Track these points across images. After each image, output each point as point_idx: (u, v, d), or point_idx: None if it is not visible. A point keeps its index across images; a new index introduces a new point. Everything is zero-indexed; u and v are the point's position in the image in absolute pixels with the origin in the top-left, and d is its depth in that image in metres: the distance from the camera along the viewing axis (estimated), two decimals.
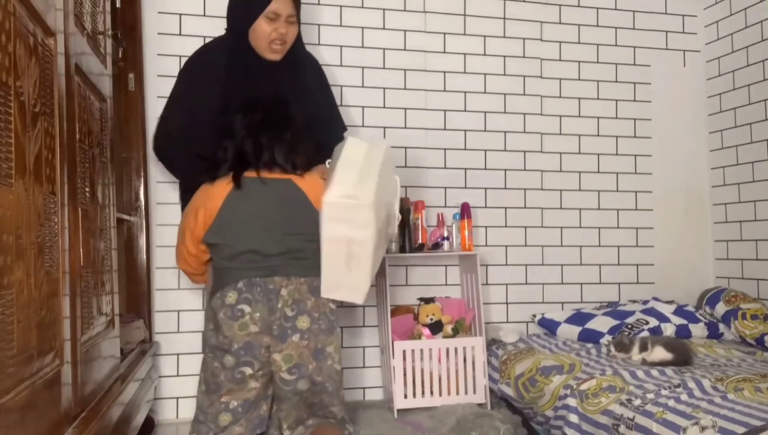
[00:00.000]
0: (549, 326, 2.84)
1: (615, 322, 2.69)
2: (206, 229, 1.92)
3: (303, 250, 1.92)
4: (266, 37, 2.12)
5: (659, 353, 2.23)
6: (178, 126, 2.17)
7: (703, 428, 1.59)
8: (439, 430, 2.21)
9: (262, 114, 1.97)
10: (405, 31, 2.90)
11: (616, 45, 3.15)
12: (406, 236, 2.62)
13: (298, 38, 2.23)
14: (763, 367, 2.17)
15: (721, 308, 2.80)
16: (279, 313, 1.86)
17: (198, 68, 2.21)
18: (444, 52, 2.95)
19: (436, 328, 2.59)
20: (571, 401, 2.04)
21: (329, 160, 2.14)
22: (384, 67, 2.87)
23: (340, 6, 2.82)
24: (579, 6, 3.10)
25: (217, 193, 1.91)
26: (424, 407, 2.44)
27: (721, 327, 2.78)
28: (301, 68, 2.29)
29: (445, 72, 2.94)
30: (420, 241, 2.65)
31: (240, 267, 1.89)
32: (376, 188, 1.86)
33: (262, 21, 2.10)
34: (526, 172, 3.02)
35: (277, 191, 1.92)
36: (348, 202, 1.85)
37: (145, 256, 2.54)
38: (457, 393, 2.50)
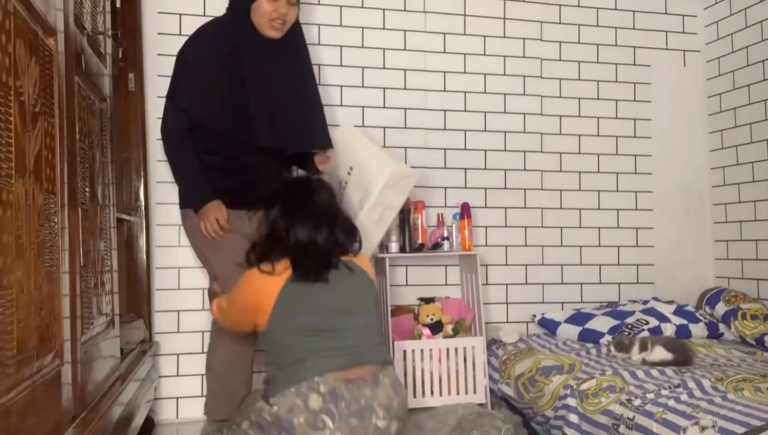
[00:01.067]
0: (549, 326, 2.84)
1: (615, 322, 2.69)
2: (270, 314, 1.77)
3: (377, 329, 1.90)
4: (267, 15, 2.17)
5: (659, 353, 2.23)
6: (188, 115, 2.20)
7: (703, 428, 1.59)
8: (440, 431, 2.21)
9: (316, 201, 1.90)
10: (405, 31, 2.90)
11: (616, 45, 3.15)
12: (406, 236, 2.62)
13: (297, 21, 2.28)
14: (763, 367, 2.17)
15: (721, 308, 2.80)
16: (372, 428, 1.71)
17: (203, 53, 2.22)
18: (444, 52, 2.94)
19: (436, 328, 2.59)
20: (571, 401, 2.04)
21: (330, 151, 2.39)
22: (384, 67, 2.87)
23: (340, 6, 2.82)
24: (579, 6, 3.10)
25: (276, 279, 1.78)
26: (424, 407, 2.44)
27: (721, 327, 2.78)
28: (304, 51, 2.37)
29: (445, 72, 2.94)
30: (420, 241, 2.64)
31: (317, 351, 1.73)
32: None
33: (264, 0, 2.16)
34: (526, 172, 3.01)
35: (345, 273, 1.85)
36: (406, 172, 2.30)
37: (145, 256, 2.54)
38: (458, 393, 2.50)
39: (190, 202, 2.21)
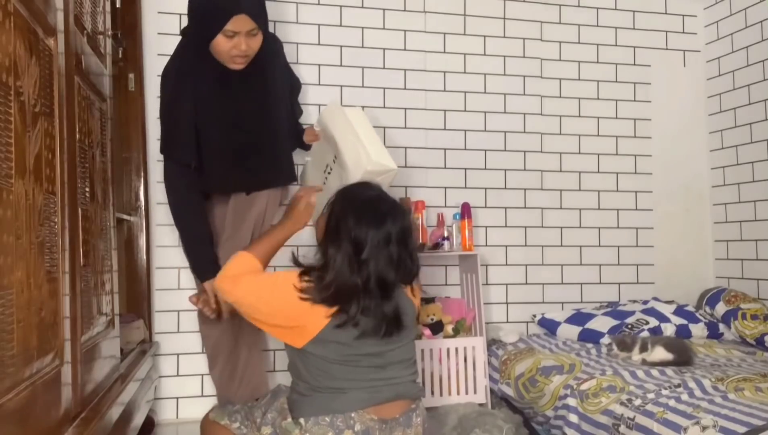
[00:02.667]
0: (549, 326, 2.84)
1: (615, 322, 2.69)
2: (313, 337, 1.64)
3: (415, 359, 1.79)
4: (226, 52, 2.05)
5: (659, 353, 2.23)
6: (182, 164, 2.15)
7: (704, 428, 1.59)
8: (440, 430, 2.21)
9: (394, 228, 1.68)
10: (405, 31, 2.90)
11: (616, 45, 3.15)
12: None
13: (264, 40, 2.13)
14: (763, 367, 2.17)
15: (721, 308, 2.80)
16: None
17: (171, 86, 2.16)
18: (444, 52, 2.94)
19: (436, 328, 2.59)
20: (571, 401, 2.04)
21: (315, 124, 2.40)
22: (384, 67, 2.87)
23: (340, 6, 2.82)
24: (579, 6, 3.10)
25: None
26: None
27: (721, 327, 2.78)
28: (270, 74, 2.24)
29: (445, 72, 2.94)
30: (420, 241, 2.64)
31: (359, 381, 1.65)
32: (390, 156, 2.21)
33: (221, 38, 2.02)
34: (526, 172, 3.02)
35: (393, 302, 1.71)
36: (385, 166, 2.16)
37: (145, 256, 2.54)
38: (458, 393, 2.50)
39: (196, 273, 2.18)
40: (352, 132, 2.22)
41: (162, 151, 2.20)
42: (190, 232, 2.17)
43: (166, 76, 2.19)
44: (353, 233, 1.65)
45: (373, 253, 1.64)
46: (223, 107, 2.14)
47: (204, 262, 2.12)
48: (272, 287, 1.70)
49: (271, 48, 2.28)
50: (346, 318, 1.63)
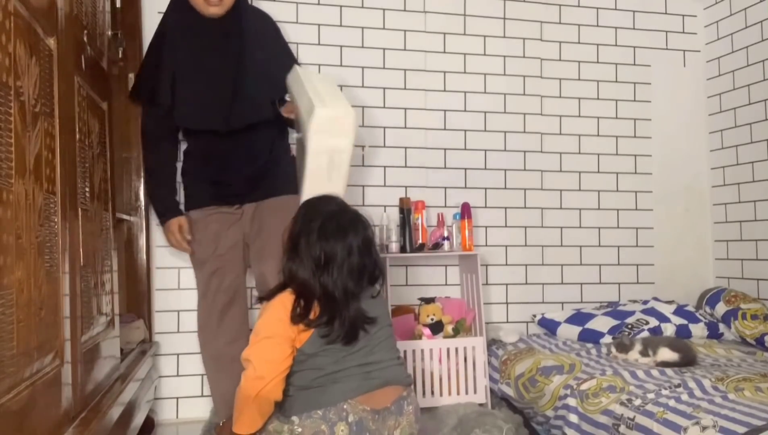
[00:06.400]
0: (549, 326, 2.84)
1: (615, 322, 2.69)
2: (304, 343, 1.68)
3: (394, 341, 1.82)
4: None
5: (665, 354, 2.21)
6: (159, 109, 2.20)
7: (703, 428, 1.59)
8: (441, 430, 2.21)
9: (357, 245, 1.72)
10: (405, 31, 2.90)
11: (616, 45, 3.15)
12: (407, 236, 2.62)
13: (246, 12, 2.18)
14: (763, 367, 2.17)
15: (721, 308, 2.80)
16: None
17: (153, 40, 2.23)
18: (444, 52, 2.94)
19: (436, 328, 2.58)
20: (571, 401, 2.04)
21: (288, 96, 2.34)
22: (384, 67, 2.87)
23: (340, 6, 2.82)
24: (579, 6, 3.10)
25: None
26: (424, 407, 2.44)
27: (721, 327, 2.78)
28: (249, 42, 2.22)
29: (445, 72, 2.94)
30: (420, 241, 2.64)
31: (346, 369, 1.67)
32: (347, 102, 2.13)
33: None
34: (526, 172, 3.01)
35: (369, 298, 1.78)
36: (334, 112, 2.06)
37: (145, 256, 2.54)
38: (458, 393, 2.50)
39: (158, 216, 2.28)
40: (308, 87, 2.15)
41: (133, 93, 2.27)
42: (155, 174, 2.28)
43: (154, 36, 2.25)
44: (315, 249, 1.69)
45: (337, 265, 1.68)
46: (201, 60, 2.16)
47: (164, 203, 2.26)
48: (268, 333, 1.69)
49: (256, 22, 2.28)
50: (329, 329, 1.67)
